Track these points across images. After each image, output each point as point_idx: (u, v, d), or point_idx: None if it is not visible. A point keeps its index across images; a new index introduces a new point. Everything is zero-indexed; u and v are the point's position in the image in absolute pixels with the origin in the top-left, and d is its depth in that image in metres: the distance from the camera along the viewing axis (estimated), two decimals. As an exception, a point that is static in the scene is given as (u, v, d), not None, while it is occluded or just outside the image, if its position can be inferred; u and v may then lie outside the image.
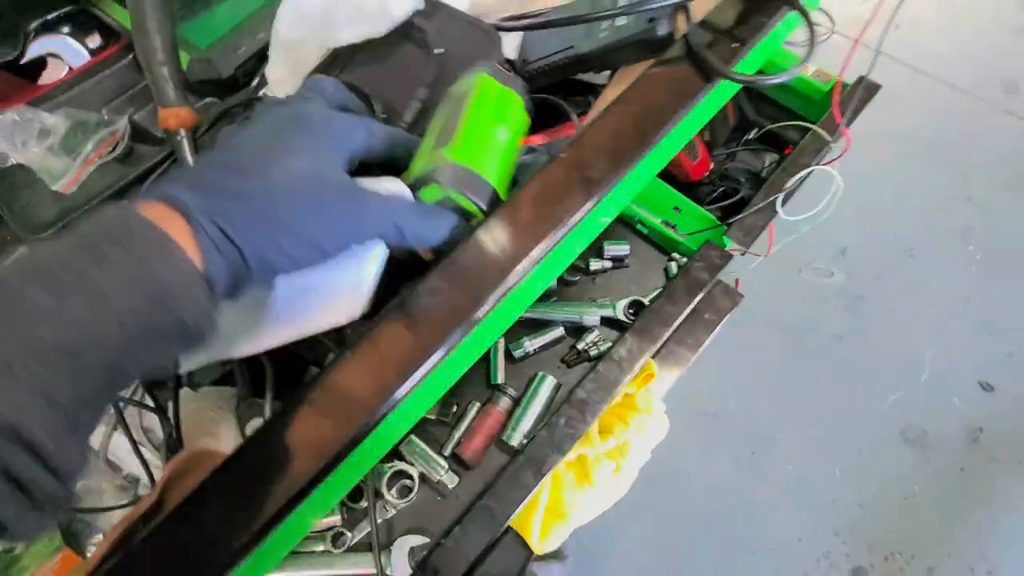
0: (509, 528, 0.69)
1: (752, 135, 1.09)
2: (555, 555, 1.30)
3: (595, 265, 0.79)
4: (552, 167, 0.37)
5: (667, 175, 1.06)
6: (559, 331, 0.74)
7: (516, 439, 0.69)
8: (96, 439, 0.47)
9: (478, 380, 0.75)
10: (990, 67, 1.96)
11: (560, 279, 0.78)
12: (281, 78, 0.52)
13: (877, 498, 1.42)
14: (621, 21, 0.45)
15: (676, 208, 0.90)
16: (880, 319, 1.62)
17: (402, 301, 0.34)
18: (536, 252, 0.35)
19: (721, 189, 1.00)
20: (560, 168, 0.37)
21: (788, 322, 1.64)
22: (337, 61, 0.51)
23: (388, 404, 0.32)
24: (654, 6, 0.42)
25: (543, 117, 0.59)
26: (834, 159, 0.88)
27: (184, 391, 0.46)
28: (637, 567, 1.38)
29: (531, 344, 0.74)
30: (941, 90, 1.93)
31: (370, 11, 0.42)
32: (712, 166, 1.10)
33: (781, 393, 1.56)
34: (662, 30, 0.43)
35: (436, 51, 0.46)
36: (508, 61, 0.53)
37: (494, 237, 0.35)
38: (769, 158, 1.10)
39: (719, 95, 0.47)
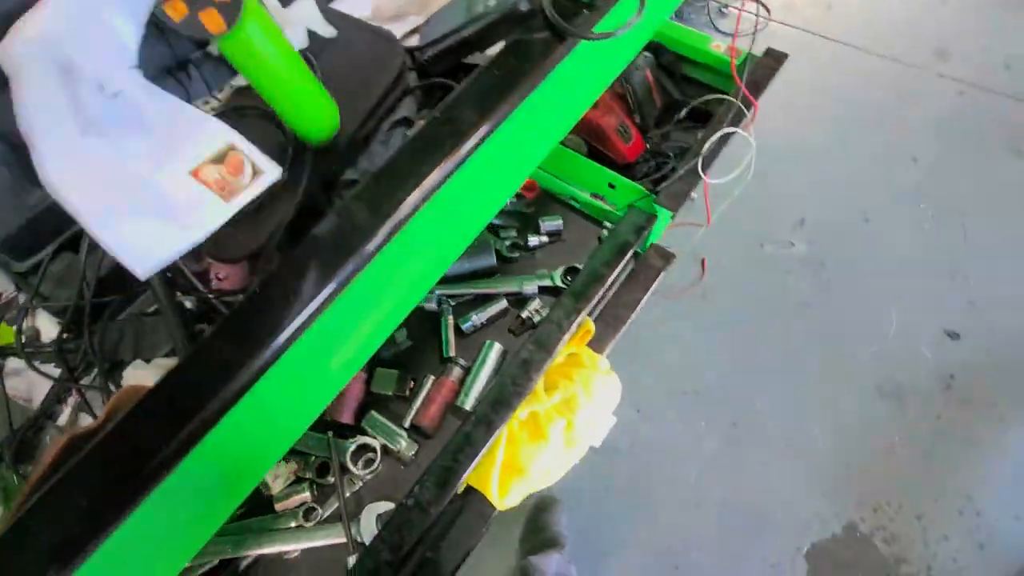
0: (472, 489, 0.73)
1: (682, 114, 1.16)
2: (554, 544, 1.32)
3: (533, 241, 0.85)
4: (428, 124, 0.44)
5: (605, 158, 1.14)
6: (503, 303, 0.80)
7: (469, 403, 0.74)
8: (63, 419, 0.52)
9: (432, 356, 0.80)
10: (920, 36, 2.06)
11: (500, 256, 0.84)
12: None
13: (860, 453, 1.45)
14: (492, 3, 0.52)
15: (611, 185, 0.97)
16: (844, 282, 1.67)
17: (300, 245, 0.39)
18: (428, 182, 0.41)
19: (653, 164, 1.06)
20: (435, 124, 0.44)
21: (756, 295, 1.69)
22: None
23: (287, 332, 0.37)
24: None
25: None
26: (747, 123, 0.95)
27: (137, 362, 0.52)
28: (633, 549, 1.39)
29: (478, 318, 0.80)
30: (877, 62, 2.03)
31: None
32: (648, 147, 1.17)
33: (756, 363, 1.59)
34: (524, 6, 0.50)
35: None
36: (409, 52, 0.60)
37: (380, 184, 0.41)
38: (701, 134, 1.17)
39: (588, 56, 0.53)
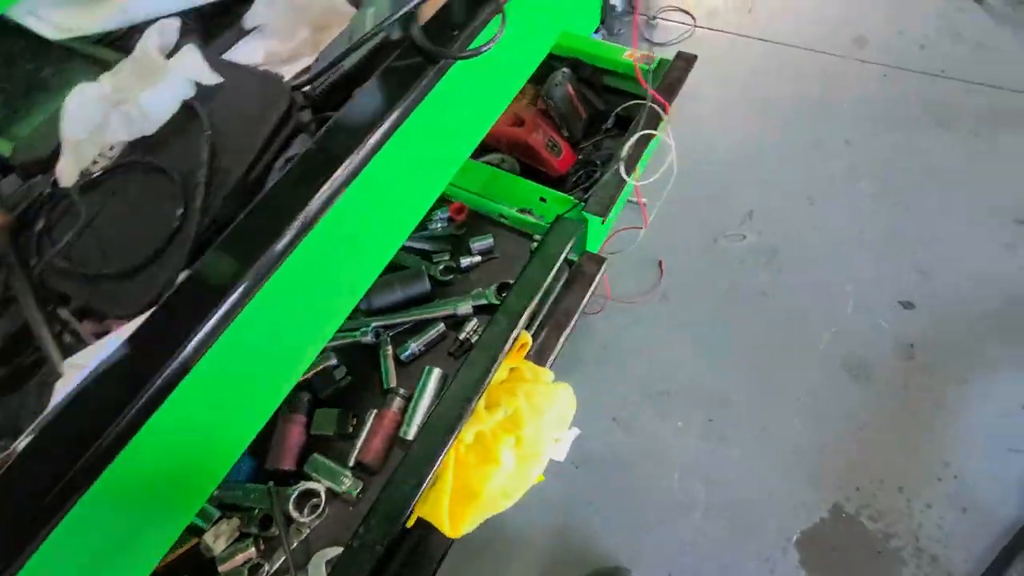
0: (423, 522, 0.70)
1: (609, 123, 1.19)
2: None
3: (465, 262, 0.85)
4: (308, 151, 0.44)
5: (539, 174, 1.15)
6: (440, 328, 0.79)
7: (412, 433, 0.72)
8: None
9: (374, 389, 0.78)
10: (838, 27, 2.17)
11: (435, 281, 0.84)
12: (69, 174, 0.57)
13: (835, 434, 1.45)
14: (366, 34, 0.53)
15: (542, 199, 0.98)
16: (797, 267, 1.70)
17: (178, 286, 0.39)
18: (306, 211, 0.41)
19: (583, 173, 1.08)
20: (313, 150, 0.44)
21: (715, 290, 1.71)
22: (142, 140, 0.57)
23: (201, 333, 0.37)
24: (388, 20, 0.51)
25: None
26: (664, 125, 0.97)
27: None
28: (623, 560, 1.37)
29: (416, 345, 0.79)
30: (801, 55, 2.12)
31: (136, 118, 0.50)
32: (579, 157, 1.19)
33: (724, 357, 1.60)
34: (394, 35, 0.51)
35: (206, 132, 0.52)
36: (301, 91, 0.61)
37: (253, 218, 0.41)
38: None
39: (469, 75, 0.54)
